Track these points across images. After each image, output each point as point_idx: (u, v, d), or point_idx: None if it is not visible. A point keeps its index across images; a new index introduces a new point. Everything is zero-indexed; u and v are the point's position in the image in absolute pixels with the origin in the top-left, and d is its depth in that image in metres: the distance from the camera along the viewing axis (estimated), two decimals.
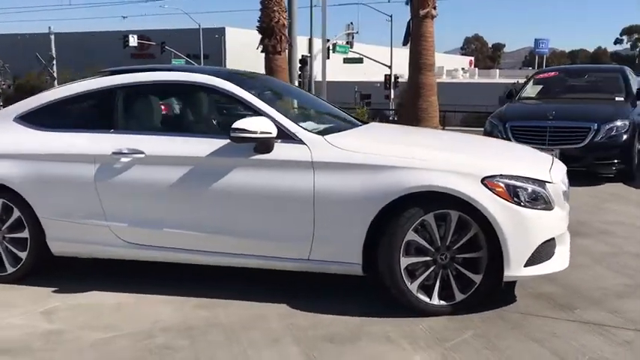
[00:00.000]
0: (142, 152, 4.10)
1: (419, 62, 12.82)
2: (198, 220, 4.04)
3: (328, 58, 36.34)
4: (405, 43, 13.06)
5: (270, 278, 4.24)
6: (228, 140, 3.96)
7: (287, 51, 16.36)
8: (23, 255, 4.42)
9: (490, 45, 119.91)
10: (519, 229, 3.57)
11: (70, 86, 4.61)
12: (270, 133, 3.85)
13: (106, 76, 4.58)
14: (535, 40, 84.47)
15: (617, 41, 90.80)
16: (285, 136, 3.92)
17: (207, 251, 4.08)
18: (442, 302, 3.71)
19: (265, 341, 3.43)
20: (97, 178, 4.18)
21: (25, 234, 4.39)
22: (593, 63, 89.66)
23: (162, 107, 4.78)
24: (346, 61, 45.81)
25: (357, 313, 3.77)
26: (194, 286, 4.26)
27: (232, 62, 51.77)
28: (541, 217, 3.66)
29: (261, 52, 16.28)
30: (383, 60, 41.74)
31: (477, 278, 3.70)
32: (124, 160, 4.14)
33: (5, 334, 3.59)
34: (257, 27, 16.26)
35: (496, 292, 3.81)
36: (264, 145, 3.87)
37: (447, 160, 3.74)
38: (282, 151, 3.88)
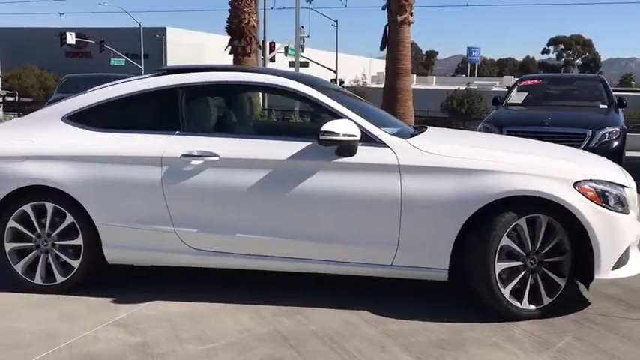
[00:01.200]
0: (215, 155, 3.94)
1: (397, 67, 12.96)
2: (276, 226, 3.92)
3: (273, 60, 36.36)
4: (382, 48, 13.17)
5: (326, 283, 4.17)
6: (309, 143, 3.89)
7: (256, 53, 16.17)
8: (75, 263, 4.17)
9: (424, 52, 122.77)
10: (610, 233, 3.65)
11: (124, 85, 4.37)
12: (356, 136, 3.78)
13: (162, 74, 4.38)
14: (468, 48, 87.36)
15: (545, 51, 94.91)
16: (367, 139, 3.86)
17: (285, 257, 3.96)
18: (531, 306, 3.74)
19: (372, 349, 3.35)
20: (165, 182, 3.99)
21: (79, 241, 4.14)
22: (522, 71, 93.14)
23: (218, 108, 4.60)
24: (292, 64, 45.77)
25: (441, 318, 3.75)
26: (254, 293, 4.16)
27: (173, 63, 50.82)
28: (625, 220, 3.75)
29: (230, 53, 15.99)
30: (330, 65, 42.01)
31: (562, 282, 3.76)
32: (194, 163, 3.96)
33: (94, 348, 3.36)
34: (225, 28, 15.96)
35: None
36: (348, 148, 3.79)
37: (538, 165, 3.78)
38: (366, 154, 3.82)
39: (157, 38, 52.47)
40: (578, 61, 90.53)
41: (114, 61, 46.59)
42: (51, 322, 3.72)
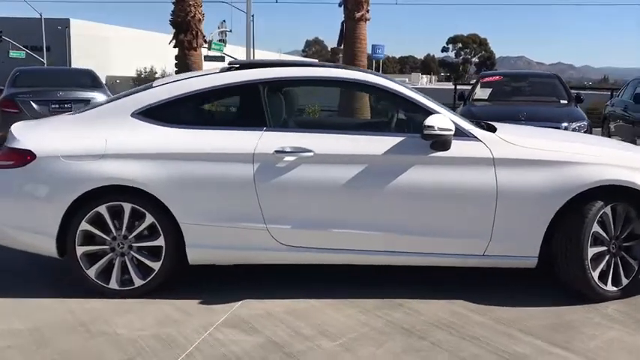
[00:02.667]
0: (309, 151, 3.91)
1: (354, 64, 13.10)
2: (371, 220, 3.95)
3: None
4: (339, 44, 13.31)
5: (407, 274, 4.28)
6: (403, 137, 3.96)
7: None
8: (156, 265, 4.00)
9: (329, 49, 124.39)
10: None
11: (197, 80, 4.23)
12: (452, 130, 3.89)
13: (234, 69, 4.28)
14: (372, 45, 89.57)
15: (444, 49, 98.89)
16: (460, 133, 3.98)
17: (379, 251, 4.01)
18: (614, 288, 4.01)
19: (498, 335, 3.48)
20: (257, 179, 3.92)
21: (159, 242, 3.98)
22: (423, 69, 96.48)
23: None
24: (207, 58, 44.97)
25: (535, 304, 3.94)
26: (343, 288, 4.17)
27: (78, 57, 48.49)
28: None
29: (174, 47, 15.57)
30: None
31: (636, 264, 4.06)
32: (288, 159, 3.92)
33: (226, 351, 3.27)
34: (170, 21, 15.52)
35: None
36: (445, 142, 3.89)
37: (620, 156, 4.06)
38: (460, 148, 3.94)
39: (59, 30, 49.86)
40: (475, 59, 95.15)
41: (13, 54, 43.74)
42: (153, 327, 3.57)
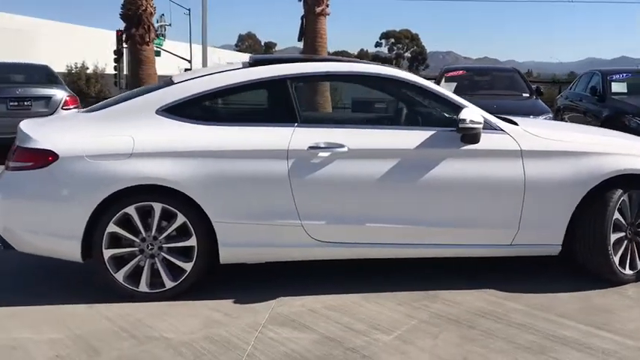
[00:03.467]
0: (343, 146, 3.92)
1: None
2: (405, 213, 4.00)
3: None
4: (300, 39, 13.28)
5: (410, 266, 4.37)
6: (433, 131, 4.02)
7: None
8: (187, 266, 3.91)
9: (263, 43, 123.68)
10: None
11: (222, 75, 4.15)
12: (481, 123, 3.99)
13: (256, 65, 4.22)
14: None
15: (378, 44, 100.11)
16: (487, 127, 4.07)
17: (411, 244, 4.06)
18: (630, 271, 4.22)
19: (541, 321, 3.59)
20: (292, 175, 3.89)
21: (191, 242, 3.89)
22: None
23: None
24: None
25: (561, 289, 4.09)
26: (363, 281, 4.20)
27: (1, 51, 46.18)
28: None
29: (125, 41, 15.12)
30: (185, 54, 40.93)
31: None
32: (322, 154, 3.91)
33: (288, 349, 3.24)
34: (120, 14, 15.04)
35: None
36: (476, 136, 3.98)
37: (634, 146, 4.27)
38: (489, 141, 4.03)
39: None
40: (408, 54, 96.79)
41: None
42: (200, 330, 3.49)
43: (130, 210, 3.83)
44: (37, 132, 3.98)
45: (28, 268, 4.53)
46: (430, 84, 4.21)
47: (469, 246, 4.11)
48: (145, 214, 3.87)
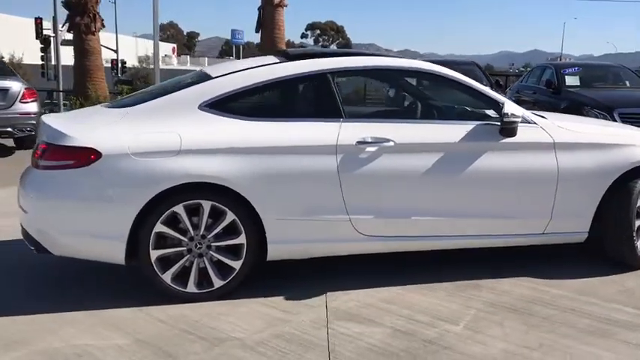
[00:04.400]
0: (390, 140, 3.95)
1: (275, 49, 13.05)
2: (448, 206, 4.08)
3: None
4: (257, 30, 13.12)
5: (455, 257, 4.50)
6: (474, 124, 4.12)
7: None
8: (236, 264, 3.84)
9: (185, 33, 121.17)
10: None
11: (263, 70, 4.08)
12: (521, 117, 4.13)
13: (294, 59, 4.18)
14: (232, 30, 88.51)
15: (303, 35, 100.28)
16: (522, 120, 4.21)
17: (453, 235, 4.15)
18: None
19: (591, 305, 3.77)
20: (341, 170, 3.89)
21: (241, 239, 3.82)
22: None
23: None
24: (64, 42, 42.15)
25: (592, 275, 4.29)
26: (401, 274, 4.25)
27: None
28: None
29: (68, 30, 14.44)
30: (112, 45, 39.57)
31: None
32: (369, 149, 3.93)
33: (369, 343, 3.25)
34: (63, 2, 14.34)
35: None
36: (514, 129, 4.11)
37: None
38: (524, 134, 4.17)
39: None
40: (334, 46, 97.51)
41: None
42: (267, 328, 3.44)
43: (179, 209, 3.72)
44: (72, 128, 3.78)
45: (56, 272, 4.31)
46: (468, 79, 4.30)
47: (506, 236, 4.24)
48: (193, 212, 3.77)
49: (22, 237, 3.96)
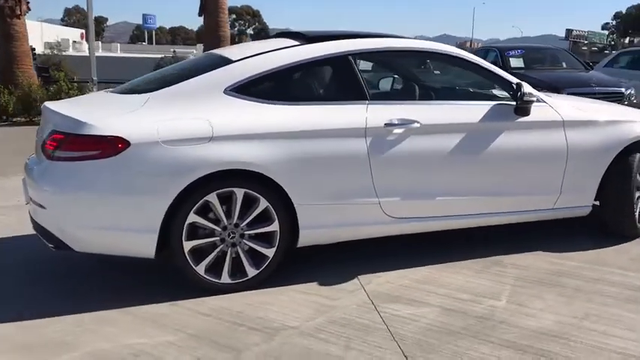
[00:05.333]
0: (416, 122, 3.97)
1: (217, 34, 12.75)
2: (471, 185, 4.15)
3: None
4: (200, 14, 12.75)
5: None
6: (491, 105, 4.21)
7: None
8: (270, 252, 3.76)
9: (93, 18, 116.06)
10: None
11: (285, 52, 3.98)
12: (536, 97, 4.26)
13: (314, 41, 4.11)
14: (143, 15, 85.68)
15: None
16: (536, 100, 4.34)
17: (476, 214, 4.24)
18: None
19: (612, 275, 3.96)
20: (371, 153, 3.87)
21: (274, 227, 3.74)
22: (199, 40, 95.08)
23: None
24: None
25: (598, 246, 4.50)
26: (420, 255, 4.31)
27: None
28: None
29: None
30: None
31: None
32: (397, 131, 3.94)
33: (426, 324, 3.26)
34: None
35: None
36: (529, 108, 4.24)
37: None
38: (536, 113, 4.30)
39: None
40: (250, 31, 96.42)
41: None
42: (318, 315, 3.39)
43: (212, 197, 3.58)
44: (92, 117, 3.55)
45: (63, 269, 4.06)
46: (483, 61, 4.37)
47: (522, 212, 4.37)
48: (225, 200, 3.64)
49: (35, 233, 3.71)
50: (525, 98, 4.11)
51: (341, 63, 4.01)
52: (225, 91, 3.74)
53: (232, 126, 3.61)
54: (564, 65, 11.94)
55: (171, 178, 3.47)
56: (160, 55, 30.95)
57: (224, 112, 3.66)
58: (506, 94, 4.28)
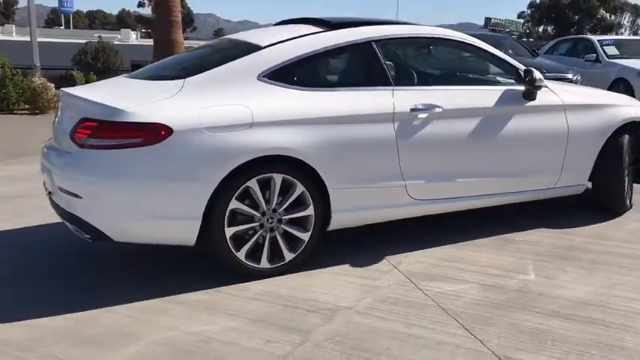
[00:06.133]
0: (439, 107, 4.12)
1: (170, 19, 12.47)
2: (486, 167, 4.35)
3: None
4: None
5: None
6: (503, 89, 4.43)
7: None
8: (305, 236, 3.83)
9: (1, 1, 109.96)
10: None
11: (312, 39, 4.03)
12: (544, 82, 4.50)
13: (338, 28, 4.18)
14: None
15: (140, 4, 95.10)
16: None
17: (491, 194, 4.45)
18: (629, 202, 5.13)
19: (618, 247, 4.26)
20: (398, 137, 4.00)
21: (309, 211, 3.81)
22: (119, 25, 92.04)
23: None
24: None
25: (595, 221, 4.82)
26: (429, 236, 4.48)
27: None
28: None
29: None
30: None
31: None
32: (421, 116, 4.07)
33: (474, 300, 3.43)
34: None
35: None
36: (536, 93, 4.48)
37: (632, 100, 5.14)
38: (541, 97, 4.54)
39: None
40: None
41: None
42: (366, 296, 3.48)
43: (252, 183, 3.60)
44: (127, 103, 3.48)
45: (95, 259, 3.97)
46: (493, 48, 4.57)
47: (530, 191, 4.63)
48: (264, 186, 3.67)
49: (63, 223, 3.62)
50: (537, 84, 4.34)
51: (367, 49, 4.10)
52: (259, 77, 3.75)
53: (271, 112, 3.63)
54: (511, 52, 12.44)
55: (214, 165, 3.47)
56: (83, 41, 29.73)
57: (261, 99, 3.67)
58: (510, 79, 4.49)
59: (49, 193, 3.79)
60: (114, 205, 3.42)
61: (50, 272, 3.83)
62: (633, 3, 71.37)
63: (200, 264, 3.90)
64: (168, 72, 3.97)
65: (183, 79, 3.70)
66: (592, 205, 5.11)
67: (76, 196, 3.46)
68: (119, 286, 3.60)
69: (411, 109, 4.02)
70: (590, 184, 4.96)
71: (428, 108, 4.07)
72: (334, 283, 3.65)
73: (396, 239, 4.36)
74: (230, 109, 3.57)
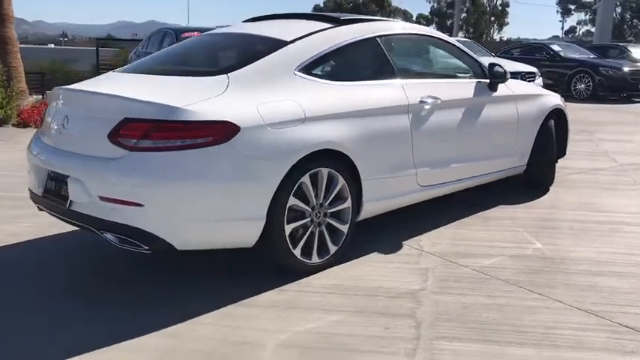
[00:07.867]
0: (438, 98, 4.45)
1: (0, 13, 11.14)
2: (471, 152, 4.79)
3: None
4: None
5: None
6: (475, 82, 4.93)
7: None
8: (345, 228, 3.92)
9: None
10: None
11: (333, 33, 4.13)
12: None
13: (346, 24, 4.31)
14: None
15: None
16: None
17: (472, 176, 4.90)
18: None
19: (578, 216, 4.95)
20: (412, 128, 4.25)
21: (347, 203, 3.90)
22: None
23: None
24: None
25: (534, 197, 5.54)
26: (424, 218, 4.86)
27: None
28: None
29: None
30: None
31: None
32: (427, 107, 4.37)
33: (513, 272, 3.79)
34: None
35: None
36: (497, 85, 5.05)
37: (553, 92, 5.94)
38: (500, 89, 5.13)
39: None
40: None
41: None
42: (422, 278, 3.66)
43: (305, 179, 3.59)
44: (181, 101, 3.25)
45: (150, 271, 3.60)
46: (464, 47, 5.03)
47: (495, 172, 5.18)
48: (313, 181, 3.68)
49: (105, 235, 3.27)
50: (507, 77, 4.89)
51: (378, 44, 4.29)
52: (295, 72, 3.74)
53: (318, 107, 3.65)
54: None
55: (278, 162, 3.40)
56: None
57: (303, 93, 3.67)
58: (479, 73, 5.01)
59: (68, 207, 3.36)
60: (181, 210, 3.18)
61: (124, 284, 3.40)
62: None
63: (231, 268, 3.75)
64: (192, 67, 3.76)
65: (225, 75, 3.54)
66: (516, 182, 5.74)
67: (135, 204, 3.14)
68: (171, 298, 3.34)
69: (420, 101, 4.28)
70: None
71: (431, 99, 4.37)
72: (384, 270, 3.77)
73: (396, 225, 4.58)
74: (285, 104, 3.52)
